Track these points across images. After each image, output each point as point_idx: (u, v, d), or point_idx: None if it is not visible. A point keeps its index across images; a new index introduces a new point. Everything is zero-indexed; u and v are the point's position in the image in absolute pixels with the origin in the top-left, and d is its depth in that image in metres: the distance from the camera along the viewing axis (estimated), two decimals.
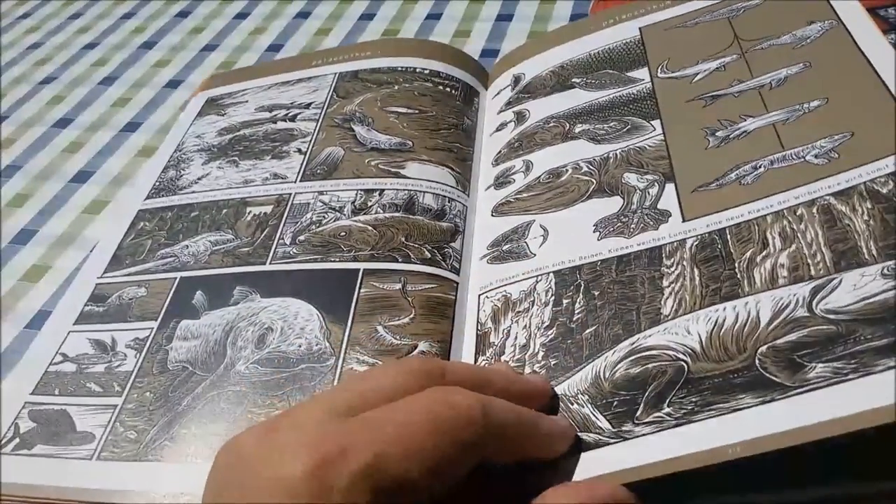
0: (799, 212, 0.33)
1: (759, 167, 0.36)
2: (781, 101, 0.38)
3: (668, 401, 0.29)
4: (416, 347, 0.36)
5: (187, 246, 0.44)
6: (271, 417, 0.26)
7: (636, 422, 0.29)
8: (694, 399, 0.28)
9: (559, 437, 0.29)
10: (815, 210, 0.32)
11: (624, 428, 0.29)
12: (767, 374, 0.28)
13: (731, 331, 0.30)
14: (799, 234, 0.32)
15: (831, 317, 0.28)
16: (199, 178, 0.49)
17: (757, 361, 0.28)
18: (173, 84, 0.66)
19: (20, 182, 0.58)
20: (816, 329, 0.28)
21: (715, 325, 0.30)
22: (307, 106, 0.52)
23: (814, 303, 0.29)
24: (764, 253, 0.32)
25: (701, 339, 0.30)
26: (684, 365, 0.30)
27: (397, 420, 0.24)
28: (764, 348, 0.29)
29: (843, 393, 0.26)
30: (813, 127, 0.36)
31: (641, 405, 0.29)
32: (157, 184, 0.49)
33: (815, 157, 0.35)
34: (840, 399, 0.26)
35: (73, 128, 0.63)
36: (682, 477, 0.30)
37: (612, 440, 0.29)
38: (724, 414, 0.28)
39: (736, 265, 0.32)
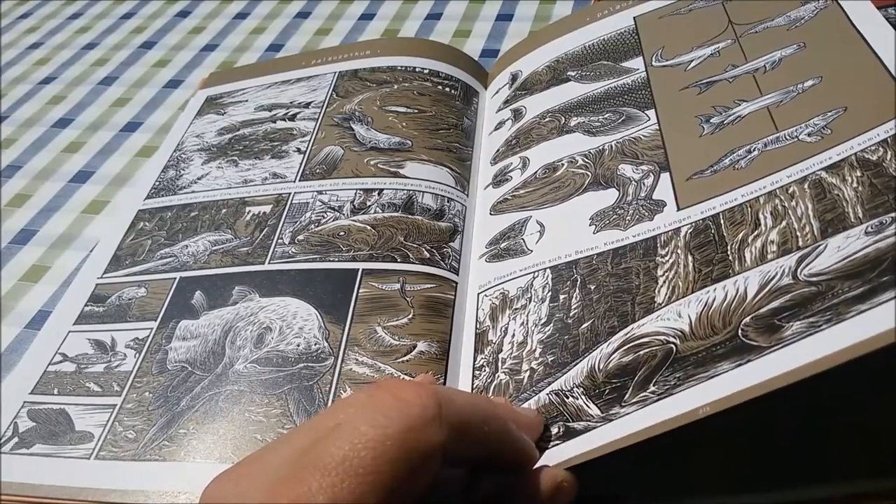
0: (791, 189, 0.33)
1: (753, 150, 0.36)
2: (776, 84, 0.38)
3: (654, 381, 0.29)
4: (414, 347, 0.36)
5: (187, 246, 0.44)
6: (242, 461, 0.26)
7: (623, 404, 0.29)
8: (678, 375, 0.29)
9: (527, 427, 0.29)
10: (806, 186, 0.32)
11: (611, 411, 0.29)
12: (747, 341, 0.28)
13: (719, 309, 0.30)
14: (790, 211, 0.32)
15: (813, 279, 0.28)
16: (198, 178, 0.49)
17: (740, 332, 0.28)
18: (173, 84, 0.66)
19: (20, 182, 0.58)
20: (798, 293, 0.28)
21: (705, 305, 0.30)
22: (307, 105, 0.52)
23: (798, 270, 0.29)
24: (756, 233, 0.32)
25: (691, 321, 0.30)
26: (673, 346, 0.30)
27: (346, 451, 0.23)
28: (748, 319, 0.29)
29: (814, 342, 0.26)
30: (807, 106, 0.36)
31: (630, 389, 0.29)
32: (157, 184, 0.49)
33: (809, 135, 0.34)
34: (809, 348, 0.26)
35: (73, 128, 0.63)
36: (683, 476, 0.30)
37: (599, 424, 0.29)
38: (701, 382, 0.28)
39: (728, 248, 0.32)
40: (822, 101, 0.36)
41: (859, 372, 0.28)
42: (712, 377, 0.27)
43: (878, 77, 0.35)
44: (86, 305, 0.42)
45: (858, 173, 0.31)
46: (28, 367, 0.39)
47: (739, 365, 0.27)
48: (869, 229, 0.29)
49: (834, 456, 0.29)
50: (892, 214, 0.29)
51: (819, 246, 0.29)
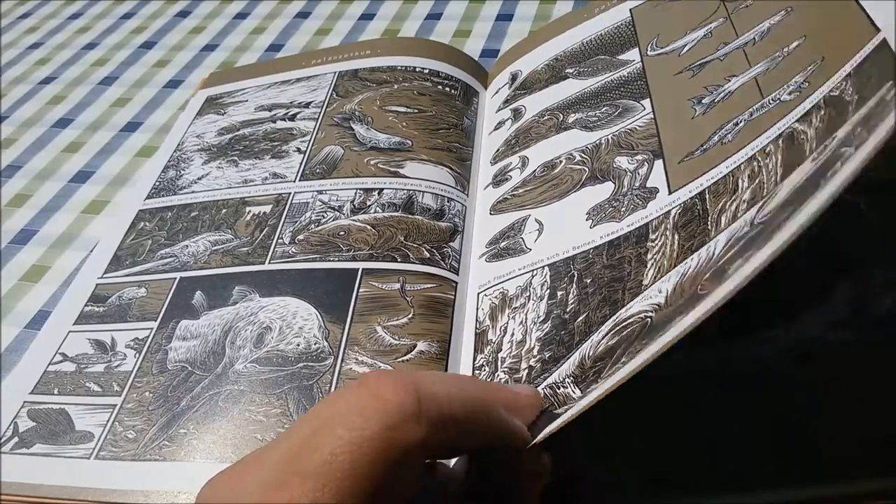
0: (767, 149, 0.32)
1: (740, 122, 0.35)
2: (764, 53, 0.38)
3: (627, 352, 0.28)
4: (414, 347, 0.36)
5: (187, 246, 0.44)
6: (238, 462, 0.26)
7: (599, 380, 0.29)
8: (644, 341, 0.28)
9: (521, 407, 0.28)
10: (780, 141, 0.32)
11: (588, 389, 0.29)
12: (700, 292, 0.27)
13: (692, 275, 0.29)
14: (763, 168, 0.31)
15: (763, 219, 0.28)
16: (198, 178, 0.49)
17: (699, 288, 0.28)
18: (173, 84, 0.66)
19: (20, 182, 0.58)
20: (750, 237, 0.27)
21: (681, 276, 0.30)
22: (307, 105, 0.52)
23: (755, 216, 0.28)
24: (734, 197, 0.31)
25: (667, 293, 0.30)
26: (649, 320, 0.29)
27: (326, 456, 0.23)
28: (708, 274, 0.28)
29: (747, 267, 0.24)
30: (791, 67, 0.35)
31: (608, 367, 0.29)
32: (157, 184, 0.49)
33: (789, 94, 0.34)
34: (742, 274, 0.24)
35: (73, 128, 0.63)
36: (685, 477, 0.30)
37: (576, 402, 0.28)
38: (655, 340, 0.27)
39: (709, 218, 0.32)
40: (805, 58, 0.35)
41: (861, 374, 0.28)
42: (666, 332, 0.26)
43: (855, 20, 0.33)
44: (86, 305, 0.42)
45: (822, 112, 0.31)
46: (28, 367, 0.39)
47: (687, 314, 0.26)
48: (815, 156, 0.28)
49: (834, 456, 0.29)
50: (834, 133, 0.28)
51: (777, 189, 0.29)
